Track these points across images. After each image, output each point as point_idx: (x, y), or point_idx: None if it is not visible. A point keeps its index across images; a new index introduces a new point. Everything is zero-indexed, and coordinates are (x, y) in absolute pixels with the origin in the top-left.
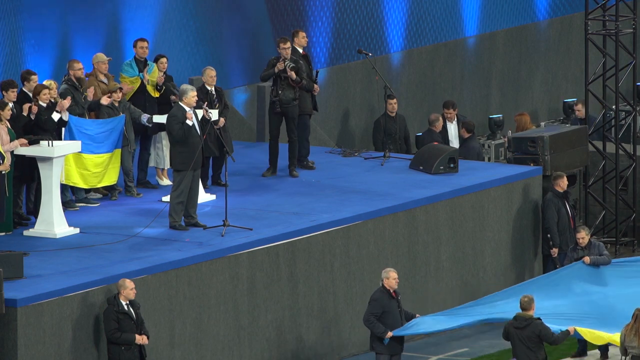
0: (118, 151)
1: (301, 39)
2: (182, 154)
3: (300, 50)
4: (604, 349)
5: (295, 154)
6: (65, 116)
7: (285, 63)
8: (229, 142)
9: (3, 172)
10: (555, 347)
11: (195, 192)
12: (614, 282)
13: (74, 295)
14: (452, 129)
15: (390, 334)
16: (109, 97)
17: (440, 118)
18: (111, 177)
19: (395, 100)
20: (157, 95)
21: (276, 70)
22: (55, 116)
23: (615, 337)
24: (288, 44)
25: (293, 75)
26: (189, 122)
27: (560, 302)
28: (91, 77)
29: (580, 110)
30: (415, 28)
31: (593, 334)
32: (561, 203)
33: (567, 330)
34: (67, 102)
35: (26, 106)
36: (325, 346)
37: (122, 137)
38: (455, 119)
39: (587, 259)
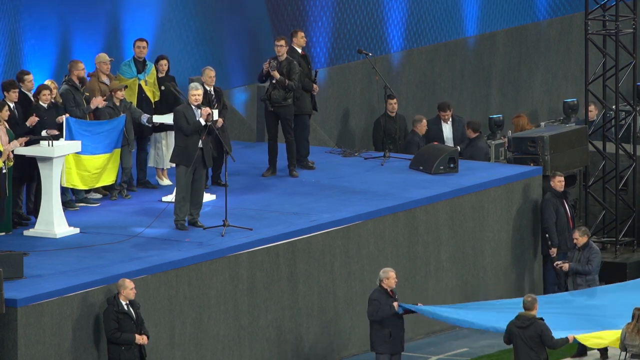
0: (117, 151)
1: (300, 39)
2: (178, 148)
3: (299, 50)
4: (604, 348)
5: (293, 154)
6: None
7: (270, 64)
8: (228, 142)
9: (4, 171)
10: None
11: (198, 191)
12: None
13: (74, 295)
14: (447, 130)
15: (396, 304)
16: (105, 99)
17: (424, 120)
18: (109, 177)
19: (395, 100)
20: (156, 98)
21: (263, 70)
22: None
23: (614, 336)
24: (282, 42)
25: (276, 75)
26: (202, 120)
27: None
28: (93, 78)
29: (592, 111)
30: (415, 28)
31: (593, 338)
32: (559, 203)
33: (567, 338)
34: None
35: (32, 120)
36: (325, 346)
37: (122, 137)
38: (451, 120)
39: (565, 265)
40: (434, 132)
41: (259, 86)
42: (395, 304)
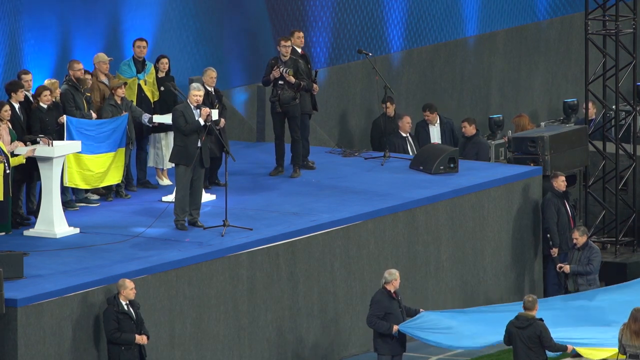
0: (121, 150)
1: (296, 39)
2: (177, 148)
3: (299, 50)
4: None
5: (299, 153)
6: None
7: (281, 70)
8: (227, 143)
9: (8, 171)
10: None
11: (196, 191)
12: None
13: (74, 295)
14: (435, 132)
15: (396, 327)
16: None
17: (404, 117)
18: (115, 177)
19: (389, 103)
20: (155, 98)
21: (272, 78)
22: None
23: (613, 351)
24: (289, 42)
25: (292, 79)
26: (201, 120)
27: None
28: (92, 77)
29: (589, 109)
30: (415, 28)
31: (592, 352)
32: (561, 203)
33: (566, 346)
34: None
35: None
36: (325, 346)
37: (125, 136)
38: (438, 121)
39: (567, 268)
40: (422, 135)
41: (259, 86)
42: (395, 327)
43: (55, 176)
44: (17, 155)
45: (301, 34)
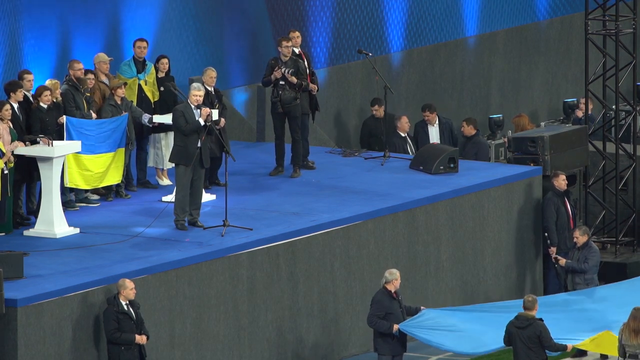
0: (121, 150)
1: (293, 39)
2: (177, 148)
3: (297, 50)
4: None
5: (299, 153)
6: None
7: (283, 70)
8: (227, 142)
9: (6, 172)
10: None
11: (196, 191)
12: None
13: (74, 295)
14: (434, 132)
15: (396, 327)
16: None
17: (402, 117)
18: (114, 177)
19: (377, 106)
20: (155, 98)
21: (273, 78)
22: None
23: (613, 343)
24: (290, 43)
25: (294, 80)
26: (201, 120)
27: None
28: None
29: (583, 109)
30: (415, 28)
31: (592, 346)
32: (561, 202)
33: (566, 346)
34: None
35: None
36: (326, 346)
37: (125, 136)
38: (437, 121)
39: (562, 261)
40: (421, 136)
41: (259, 86)
42: (395, 326)
43: (55, 176)
44: (17, 155)
45: (296, 34)
